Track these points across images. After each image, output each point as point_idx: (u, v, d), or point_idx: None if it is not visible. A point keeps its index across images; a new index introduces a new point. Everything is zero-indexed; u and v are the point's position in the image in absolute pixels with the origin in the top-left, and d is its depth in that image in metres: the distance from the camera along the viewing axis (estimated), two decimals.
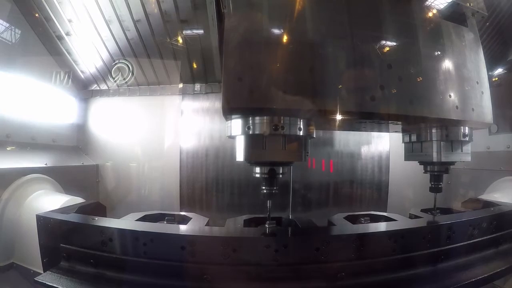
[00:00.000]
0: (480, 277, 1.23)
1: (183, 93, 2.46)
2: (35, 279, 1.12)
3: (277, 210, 2.21)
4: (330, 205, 2.37)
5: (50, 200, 1.63)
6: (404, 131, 1.63)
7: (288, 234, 1.21)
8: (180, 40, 2.12)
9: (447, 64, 1.33)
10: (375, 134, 2.43)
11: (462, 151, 1.48)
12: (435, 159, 1.46)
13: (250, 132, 1.14)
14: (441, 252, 1.23)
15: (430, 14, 1.36)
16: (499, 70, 2.58)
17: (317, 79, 1.10)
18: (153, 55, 2.24)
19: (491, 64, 2.54)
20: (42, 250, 1.23)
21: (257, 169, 1.25)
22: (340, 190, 2.41)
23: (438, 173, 1.55)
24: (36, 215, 1.25)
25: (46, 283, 1.09)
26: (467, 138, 1.45)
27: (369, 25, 1.21)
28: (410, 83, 1.22)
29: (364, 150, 2.48)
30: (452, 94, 1.29)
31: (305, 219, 1.63)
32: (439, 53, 1.33)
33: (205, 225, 1.55)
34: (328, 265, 1.09)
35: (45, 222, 1.22)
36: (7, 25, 1.94)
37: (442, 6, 1.41)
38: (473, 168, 2.53)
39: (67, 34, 2.13)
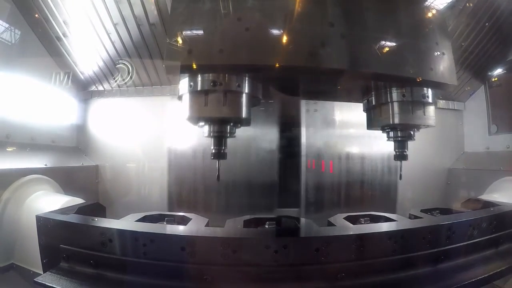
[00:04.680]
0: (480, 277, 1.23)
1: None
2: (35, 280, 1.12)
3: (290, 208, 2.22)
4: (341, 206, 2.34)
5: (50, 201, 1.63)
6: (364, 96, 1.60)
7: (288, 235, 1.21)
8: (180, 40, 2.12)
9: (401, 23, 1.33)
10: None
11: (424, 115, 1.43)
12: (393, 121, 1.42)
13: (191, 90, 1.23)
14: (441, 253, 1.23)
15: None
16: (499, 70, 2.58)
17: (253, 37, 1.16)
18: (154, 55, 2.24)
19: (491, 64, 2.54)
20: (42, 250, 1.23)
21: (206, 129, 1.32)
22: (351, 191, 2.38)
23: (401, 138, 1.51)
24: (36, 215, 1.25)
25: (46, 284, 1.09)
26: (427, 99, 1.40)
27: None
28: (355, 40, 1.23)
29: (373, 151, 2.43)
30: (405, 53, 1.28)
31: (305, 219, 1.63)
32: (392, 12, 1.32)
33: (205, 226, 1.55)
34: (328, 266, 1.09)
35: (45, 223, 1.22)
36: (7, 25, 1.94)
37: None
38: (473, 168, 2.53)
39: (67, 35, 2.13)
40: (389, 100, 1.44)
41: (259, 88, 1.35)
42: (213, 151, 1.35)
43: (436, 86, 1.41)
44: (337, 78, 1.38)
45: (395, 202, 2.44)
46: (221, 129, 1.32)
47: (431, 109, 1.45)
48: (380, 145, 2.38)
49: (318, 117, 2.25)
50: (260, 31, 1.17)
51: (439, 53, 1.36)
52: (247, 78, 1.27)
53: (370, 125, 1.62)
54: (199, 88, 1.23)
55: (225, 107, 1.23)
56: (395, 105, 1.42)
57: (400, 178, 1.53)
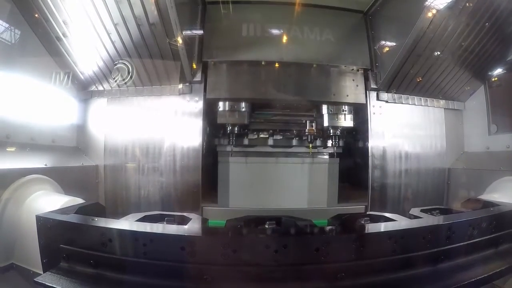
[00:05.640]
0: (480, 277, 1.23)
1: (183, 93, 2.47)
2: (35, 279, 1.12)
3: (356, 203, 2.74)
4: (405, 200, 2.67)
5: (50, 201, 1.63)
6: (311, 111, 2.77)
7: (288, 235, 1.21)
8: (180, 41, 2.12)
9: (330, 74, 2.62)
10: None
11: (344, 120, 2.63)
12: (326, 124, 2.62)
13: (221, 109, 2.54)
14: (441, 252, 1.23)
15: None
16: (499, 70, 2.58)
17: (254, 87, 2.55)
18: (154, 55, 2.24)
19: (491, 64, 2.54)
20: (42, 250, 1.23)
21: (229, 128, 2.56)
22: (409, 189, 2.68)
23: (333, 134, 2.66)
24: (36, 215, 1.25)
25: (46, 283, 1.09)
26: (345, 112, 2.62)
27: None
28: (304, 85, 2.59)
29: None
30: (332, 89, 2.60)
31: (305, 219, 1.63)
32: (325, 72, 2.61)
33: (205, 226, 1.55)
34: (328, 266, 1.09)
35: (45, 223, 1.22)
36: (7, 25, 1.94)
37: None
38: (473, 168, 2.53)
39: (67, 35, 2.13)
40: (323, 113, 2.64)
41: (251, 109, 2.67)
42: (232, 140, 2.57)
43: (350, 105, 2.64)
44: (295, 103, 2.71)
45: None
46: (234, 129, 2.56)
47: (348, 117, 2.64)
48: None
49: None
50: (256, 85, 2.53)
51: (353, 85, 2.63)
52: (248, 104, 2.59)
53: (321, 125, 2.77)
54: (226, 109, 2.54)
55: (236, 118, 2.54)
56: (328, 115, 2.62)
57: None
